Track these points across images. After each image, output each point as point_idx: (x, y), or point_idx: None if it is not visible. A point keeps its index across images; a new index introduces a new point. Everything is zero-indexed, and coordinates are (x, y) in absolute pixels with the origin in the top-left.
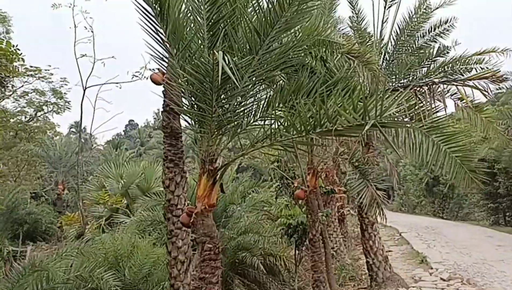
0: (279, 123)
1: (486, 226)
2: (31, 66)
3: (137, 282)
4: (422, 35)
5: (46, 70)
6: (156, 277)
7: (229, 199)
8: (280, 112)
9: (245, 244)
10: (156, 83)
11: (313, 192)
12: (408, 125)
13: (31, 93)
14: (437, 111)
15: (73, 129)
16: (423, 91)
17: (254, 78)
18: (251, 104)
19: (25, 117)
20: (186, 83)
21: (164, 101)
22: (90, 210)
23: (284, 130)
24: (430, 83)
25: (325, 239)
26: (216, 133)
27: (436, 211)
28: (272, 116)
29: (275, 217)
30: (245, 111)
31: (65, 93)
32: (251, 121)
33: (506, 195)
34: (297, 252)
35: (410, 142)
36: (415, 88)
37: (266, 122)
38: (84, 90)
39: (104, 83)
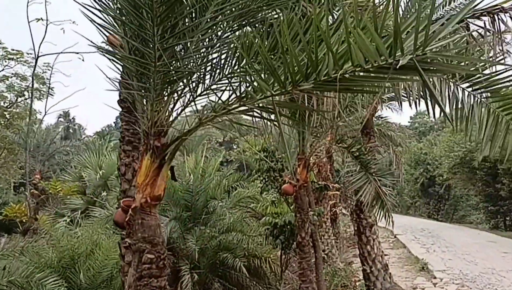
0: (254, 78)
1: (486, 230)
2: (13, 50)
3: (95, 288)
4: None
5: (28, 53)
6: (118, 282)
7: (211, 194)
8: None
9: (227, 243)
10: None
11: (304, 187)
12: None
13: (11, 77)
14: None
15: (61, 119)
16: (480, 26)
17: (224, 14)
18: (220, 51)
19: (4, 103)
20: (118, 11)
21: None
22: (65, 202)
23: (261, 85)
24: (494, 11)
25: (316, 242)
26: (161, 90)
27: (431, 213)
28: (248, 68)
29: (260, 215)
30: (208, 62)
31: (47, 79)
32: (218, 78)
33: (508, 197)
34: (283, 256)
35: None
36: (467, 20)
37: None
38: (36, 59)
39: (61, 52)
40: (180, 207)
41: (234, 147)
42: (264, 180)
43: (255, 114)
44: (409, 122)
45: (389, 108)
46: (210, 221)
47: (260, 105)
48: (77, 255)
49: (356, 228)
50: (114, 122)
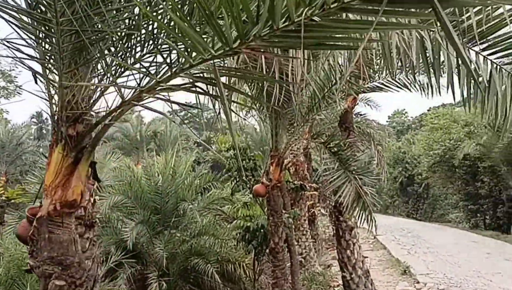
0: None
1: (466, 229)
2: None
3: None
4: None
5: None
6: None
7: (181, 195)
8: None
9: (199, 248)
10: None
11: (277, 187)
12: None
13: None
14: None
15: (34, 120)
16: None
17: None
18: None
19: None
20: None
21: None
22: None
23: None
24: None
25: (292, 246)
26: (72, 58)
27: (409, 212)
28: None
29: (231, 218)
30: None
31: (15, 77)
32: (150, 43)
33: (488, 196)
34: (256, 263)
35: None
36: None
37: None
38: None
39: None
40: (149, 209)
41: (212, 147)
42: (235, 180)
43: (205, 92)
44: (387, 121)
45: (367, 105)
46: (181, 224)
47: (200, 74)
48: (25, 265)
49: (335, 231)
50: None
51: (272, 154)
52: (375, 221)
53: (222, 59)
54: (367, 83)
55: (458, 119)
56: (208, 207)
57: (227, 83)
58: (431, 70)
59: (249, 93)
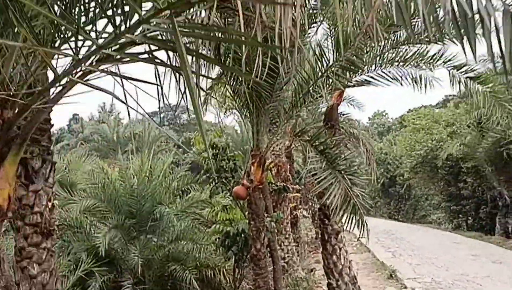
0: None
1: (449, 230)
2: None
3: None
4: None
5: None
6: None
7: (158, 198)
8: None
9: (177, 253)
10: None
11: (259, 189)
12: None
13: None
14: None
15: None
16: None
17: None
18: None
19: None
20: None
21: None
22: None
23: None
24: None
25: (275, 252)
26: None
27: (391, 213)
28: None
29: (210, 222)
30: None
31: None
32: None
33: (470, 197)
34: (237, 270)
35: None
36: None
37: None
38: None
39: None
40: (123, 213)
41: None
42: (214, 182)
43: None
44: (367, 122)
45: (350, 104)
46: (158, 228)
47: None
48: None
49: (320, 236)
50: (67, 125)
51: (253, 153)
52: (366, 225)
53: (186, 12)
54: (356, 76)
55: (440, 119)
56: (186, 210)
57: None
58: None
59: (228, 88)
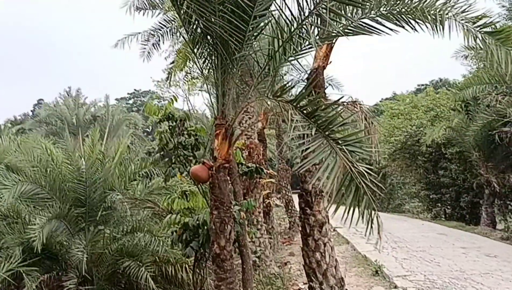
0: None
1: (428, 220)
2: None
3: None
4: None
5: None
6: None
7: (110, 184)
8: None
9: (132, 247)
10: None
11: (224, 168)
12: None
13: None
14: None
15: None
16: None
17: None
18: None
19: None
20: None
21: None
22: None
23: None
24: None
25: (244, 248)
26: None
27: None
28: None
29: (165, 211)
30: None
31: None
32: None
33: (451, 185)
34: (197, 271)
35: None
36: None
37: None
38: None
39: None
40: (69, 201)
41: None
42: (170, 162)
43: None
44: None
45: (329, 84)
46: (112, 219)
47: None
48: None
49: (300, 229)
50: (31, 111)
51: (218, 122)
52: (378, 219)
53: None
54: (356, 16)
55: (418, 104)
56: (147, 198)
57: None
58: None
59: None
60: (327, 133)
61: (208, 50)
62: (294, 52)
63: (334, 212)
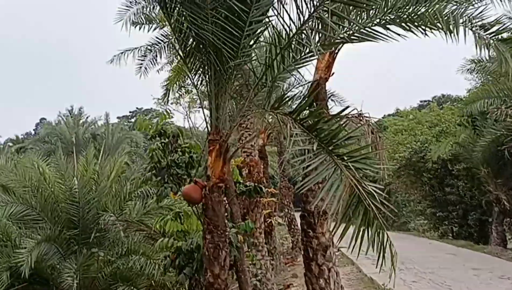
0: None
1: (435, 238)
2: None
3: None
4: None
5: None
6: None
7: (104, 204)
8: None
9: (127, 271)
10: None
11: (218, 188)
12: None
13: None
14: None
15: None
16: None
17: None
18: None
19: None
20: None
21: None
22: None
23: None
24: None
25: (243, 274)
26: None
27: None
28: None
29: (158, 234)
30: None
31: None
32: None
33: (458, 202)
34: None
35: None
36: None
37: None
38: None
39: None
40: (61, 222)
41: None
42: (161, 182)
43: None
44: None
45: (331, 100)
46: (106, 241)
47: None
48: None
49: (303, 252)
50: (33, 130)
51: (211, 138)
52: (391, 245)
53: None
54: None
55: (422, 120)
56: (141, 219)
57: None
58: None
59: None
60: (330, 148)
61: (201, 60)
62: (293, 60)
63: (340, 238)
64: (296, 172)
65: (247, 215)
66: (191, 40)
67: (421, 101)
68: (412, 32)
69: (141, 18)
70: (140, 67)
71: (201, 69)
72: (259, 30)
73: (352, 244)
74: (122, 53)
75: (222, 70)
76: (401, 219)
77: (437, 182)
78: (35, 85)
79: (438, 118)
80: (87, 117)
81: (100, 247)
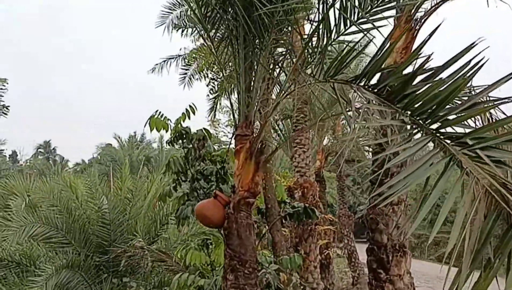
0: None
1: None
2: None
3: None
4: None
5: None
6: None
7: (133, 228)
8: None
9: None
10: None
11: (247, 205)
12: None
13: None
14: None
15: (41, 150)
16: None
17: None
18: None
19: None
20: None
21: None
22: None
23: None
24: None
25: None
26: None
27: None
28: None
29: (178, 266)
30: None
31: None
32: None
33: None
34: None
35: None
36: None
37: None
38: None
39: None
40: (91, 247)
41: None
42: (182, 198)
43: None
44: None
45: None
46: (140, 269)
47: None
48: None
49: None
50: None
51: (240, 132)
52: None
53: None
54: None
55: None
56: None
57: None
58: None
59: None
60: (434, 126)
61: (226, 22)
62: (361, 9)
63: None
64: (357, 200)
65: (300, 245)
66: None
67: None
68: None
69: (185, 21)
70: (184, 76)
71: (225, 32)
72: None
73: None
74: (164, 61)
75: (253, 31)
76: None
77: None
78: (105, 107)
79: None
80: (148, 142)
81: (132, 277)
